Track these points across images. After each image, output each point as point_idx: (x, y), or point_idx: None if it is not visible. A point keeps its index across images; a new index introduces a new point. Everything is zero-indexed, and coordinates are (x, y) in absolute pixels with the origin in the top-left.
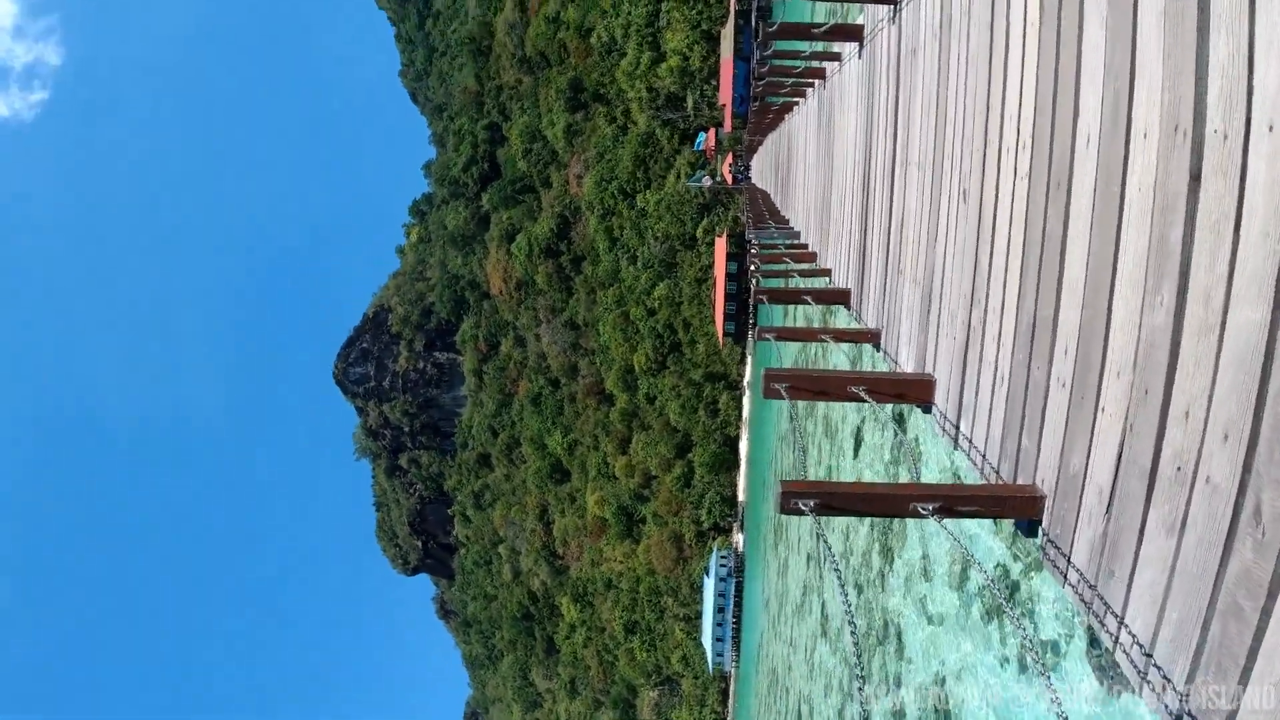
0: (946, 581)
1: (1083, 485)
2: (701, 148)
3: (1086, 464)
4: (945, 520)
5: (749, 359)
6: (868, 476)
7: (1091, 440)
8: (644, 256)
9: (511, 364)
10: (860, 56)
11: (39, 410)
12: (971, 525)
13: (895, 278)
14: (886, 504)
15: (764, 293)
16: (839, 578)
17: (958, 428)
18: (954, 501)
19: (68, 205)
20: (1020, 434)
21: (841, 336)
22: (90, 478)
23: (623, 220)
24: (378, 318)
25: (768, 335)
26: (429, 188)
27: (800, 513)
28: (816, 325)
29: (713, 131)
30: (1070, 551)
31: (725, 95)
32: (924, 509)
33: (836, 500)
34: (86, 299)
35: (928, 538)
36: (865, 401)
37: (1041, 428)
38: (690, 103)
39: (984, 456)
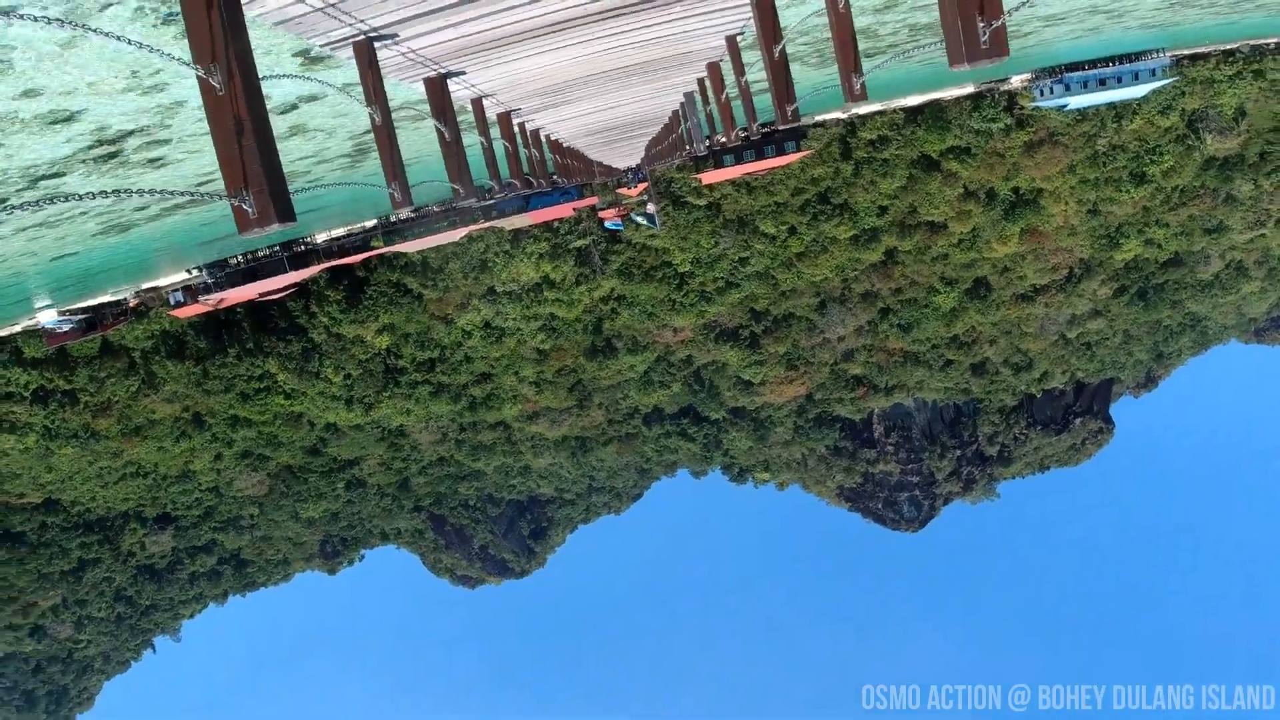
0: None
1: None
2: (621, 227)
3: None
4: None
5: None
6: None
7: None
8: (738, 256)
9: (879, 361)
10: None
11: None
12: None
13: None
14: None
15: (780, 122)
16: None
17: None
18: None
19: None
20: None
21: None
22: None
23: (709, 280)
24: (853, 495)
25: (857, 84)
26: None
27: None
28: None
29: (601, 214)
30: None
31: (563, 211)
32: None
33: None
34: None
35: None
36: None
37: None
38: (579, 241)
39: None
